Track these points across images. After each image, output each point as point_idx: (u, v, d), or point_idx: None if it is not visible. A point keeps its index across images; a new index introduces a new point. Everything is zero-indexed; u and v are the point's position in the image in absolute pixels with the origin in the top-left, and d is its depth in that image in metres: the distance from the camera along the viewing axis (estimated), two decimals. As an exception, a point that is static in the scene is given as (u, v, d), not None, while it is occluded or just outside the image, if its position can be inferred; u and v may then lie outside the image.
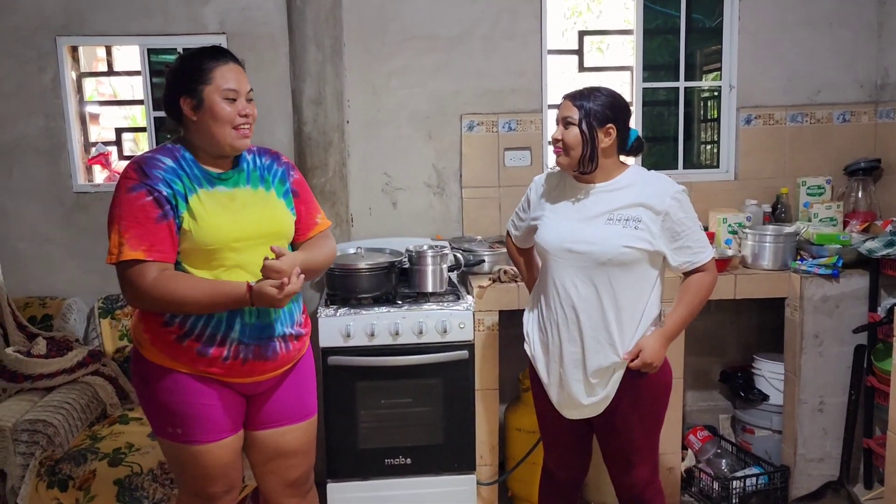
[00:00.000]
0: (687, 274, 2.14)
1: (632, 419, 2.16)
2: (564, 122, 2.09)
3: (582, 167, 2.09)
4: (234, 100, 1.89)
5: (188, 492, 2.09)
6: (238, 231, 1.91)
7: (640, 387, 2.14)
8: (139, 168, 1.85)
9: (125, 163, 3.70)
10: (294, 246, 2.11)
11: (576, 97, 2.09)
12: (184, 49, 3.39)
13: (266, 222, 1.97)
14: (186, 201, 1.86)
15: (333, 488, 2.86)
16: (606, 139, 2.08)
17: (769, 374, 3.32)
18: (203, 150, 1.93)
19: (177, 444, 1.98)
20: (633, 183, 2.10)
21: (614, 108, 2.09)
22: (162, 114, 3.42)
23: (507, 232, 2.49)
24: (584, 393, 2.14)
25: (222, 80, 1.88)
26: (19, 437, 2.63)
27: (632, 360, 2.09)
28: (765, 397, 3.32)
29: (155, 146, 3.38)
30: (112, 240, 1.82)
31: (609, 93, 2.11)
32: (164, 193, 1.83)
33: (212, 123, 1.88)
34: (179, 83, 1.90)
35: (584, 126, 2.06)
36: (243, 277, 1.88)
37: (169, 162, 1.89)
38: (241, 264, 1.91)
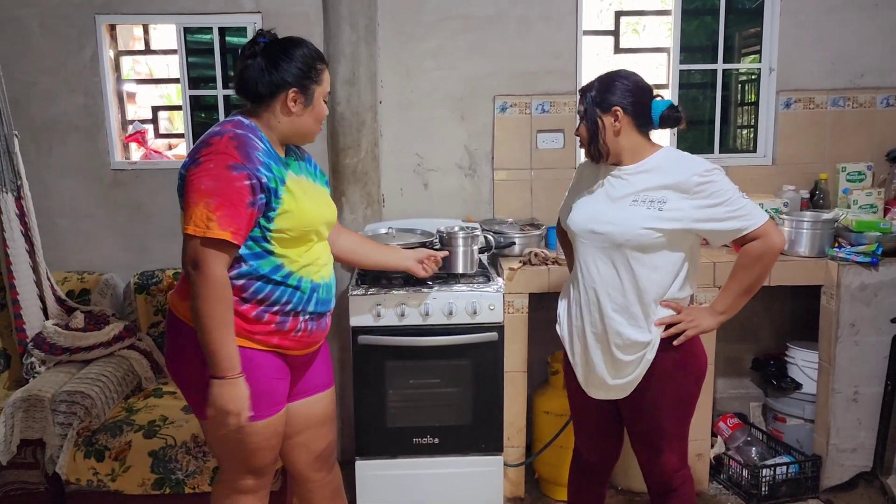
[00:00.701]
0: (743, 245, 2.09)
1: (660, 404, 2.15)
2: (580, 116, 2.15)
3: (590, 155, 2.14)
4: (326, 102, 2.03)
5: (239, 469, 2.07)
6: (321, 212, 2.03)
7: (671, 372, 2.12)
8: (241, 148, 1.84)
9: (161, 141, 3.79)
10: None
11: (582, 89, 2.14)
12: (220, 28, 3.42)
13: (330, 208, 2.12)
14: (284, 182, 1.91)
15: (362, 465, 2.89)
16: (616, 123, 2.06)
17: (803, 363, 3.27)
18: (278, 137, 1.98)
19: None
20: (660, 165, 2.07)
21: (616, 90, 2.07)
22: (198, 92, 3.52)
23: (559, 217, 2.49)
24: (608, 374, 2.15)
25: (327, 84, 2.01)
26: (58, 407, 2.70)
27: (667, 328, 2.08)
28: (798, 386, 3.28)
29: (191, 124, 3.48)
30: (196, 212, 1.79)
31: (610, 76, 2.10)
32: (263, 180, 1.85)
33: (311, 121, 2.00)
34: (294, 76, 1.92)
35: (588, 116, 2.10)
36: (316, 259, 2.02)
37: (262, 145, 1.91)
38: (315, 247, 2.03)
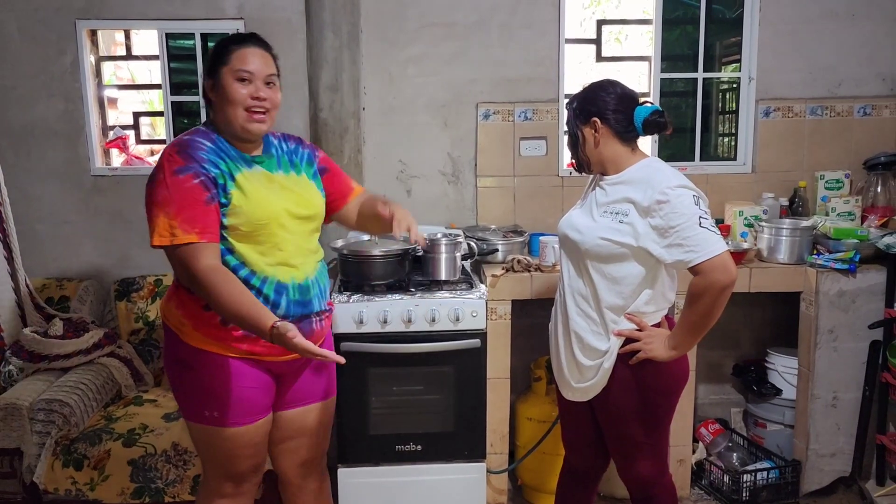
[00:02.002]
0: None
1: (624, 412, 2.13)
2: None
3: (575, 165, 2.17)
4: (249, 81, 1.89)
5: (217, 474, 2.09)
6: (281, 208, 1.95)
7: (631, 382, 2.09)
8: (183, 151, 1.86)
9: (143, 147, 3.76)
10: (333, 217, 2.22)
11: (568, 101, 2.17)
12: (202, 34, 3.41)
13: (303, 203, 2.02)
14: (233, 178, 1.89)
15: (344, 473, 2.87)
16: (595, 133, 2.07)
17: (782, 369, 3.30)
18: (227, 133, 1.95)
19: (212, 427, 1.99)
20: (632, 178, 2.05)
21: (593, 100, 2.08)
22: (180, 98, 3.50)
23: None
24: (571, 376, 2.19)
25: (237, 62, 1.89)
26: (36, 416, 2.67)
27: (625, 344, 2.08)
28: (777, 392, 3.31)
29: (172, 130, 3.46)
30: (159, 223, 1.80)
31: (592, 86, 2.12)
32: (212, 174, 1.85)
33: (225, 104, 1.90)
34: (207, 66, 1.94)
35: (569, 127, 2.13)
36: (281, 258, 1.94)
37: (208, 143, 1.91)
38: (279, 245, 1.95)
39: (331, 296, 2.21)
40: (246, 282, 1.90)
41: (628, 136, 2.08)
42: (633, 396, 2.11)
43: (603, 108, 2.06)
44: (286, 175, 2.02)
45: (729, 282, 1.90)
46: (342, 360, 1.81)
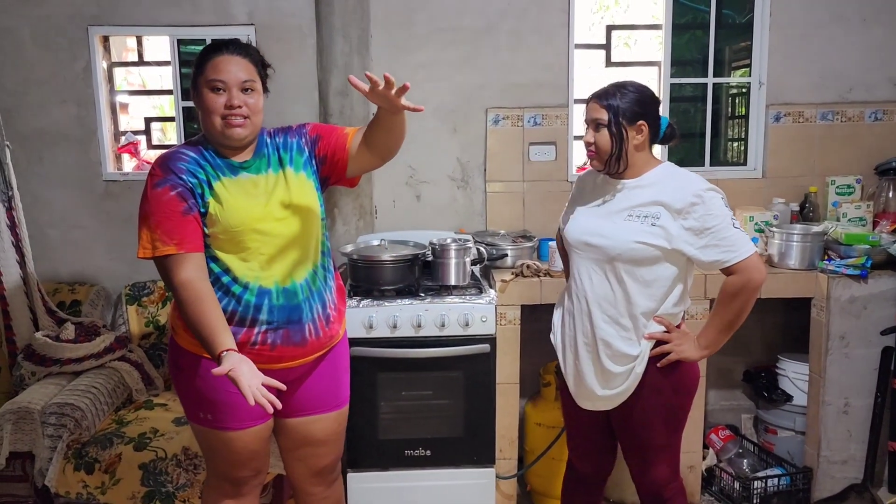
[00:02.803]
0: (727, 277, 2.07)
1: (649, 416, 2.15)
2: (594, 124, 2.07)
3: (608, 167, 2.08)
4: (222, 90, 1.88)
5: (217, 475, 2.14)
6: (261, 213, 1.93)
7: (660, 384, 2.12)
8: (163, 164, 1.91)
9: (154, 152, 3.78)
10: (350, 169, 2.06)
11: (602, 97, 2.06)
12: (212, 40, 3.42)
13: (288, 202, 1.97)
14: (211, 187, 1.91)
15: (353, 478, 2.88)
16: (638, 136, 2.06)
17: (793, 375, 3.28)
18: (213, 142, 1.95)
19: (207, 429, 2.03)
20: (658, 181, 2.07)
21: (643, 102, 2.06)
22: (190, 103, 3.50)
23: (559, 227, 2.49)
24: (598, 384, 2.15)
25: (210, 71, 1.88)
26: (47, 419, 2.68)
27: (657, 345, 2.09)
28: (788, 398, 3.29)
29: (183, 135, 3.48)
30: (143, 235, 1.88)
31: (636, 87, 2.07)
32: (189, 185, 1.88)
33: (202, 113, 1.92)
34: (190, 80, 1.96)
35: (613, 127, 2.03)
36: (262, 263, 1.93)
37: (192, 154, 1.94)
38: (260, 249, 1.93)
39: (342, 299, 2.18)
40: (228, 289, 1.92)
41: (653, 141, 2.11)
42: (661, 399, 2.12)
43: (649, 112, 2.06)
44: (275, 174, 1.99)
45: (762, 280, 2.01)
46: (272, 407, 1.71)
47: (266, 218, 1.93)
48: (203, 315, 1.82)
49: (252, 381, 1.69)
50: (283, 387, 1.77)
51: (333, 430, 2.19)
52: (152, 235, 1.86)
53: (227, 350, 1.75)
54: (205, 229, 1.91)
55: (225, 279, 1.93)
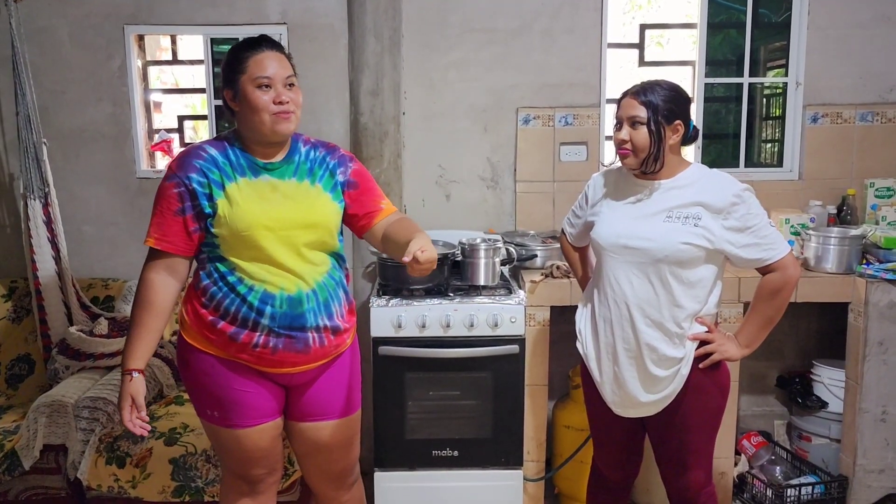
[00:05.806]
0: (764, 275, 2.08)
1: (690, 419, 2.12)
2: (631, 121, 2.03)
3: (645, 166, 2.04)
4: (269, 87, 1.88)
5: (231, 473, 2.14)
6: (270, 219, 1.90)
7: (703, 386, 2.10)
8: (179, 159, 1.94)
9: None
10: (364, 236, 2.13)
11: (640, 93, 2.02)
12: (244, 38, 3.45)
13: (303, 213, 1.95)
14: (223, 188, 1.90)
15: (380, 477, 2.88)
16: (675, 136, 2.04)
17: (829, 381, 3.21)
18: (251, 140, 1.95)
19: (215, 426, 2.03)
20: (694, 181, 2.05)
21: (680, 102, 2.04)
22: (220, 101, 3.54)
23: (562, 230, 2.46)
24: (641, 390, 2.11)
25: (255, 69, 1.87)
26: (80, 413, 2.72)
27: (699, 346, 2.08)
28: (823, 405, 3.22)
29: (215, 133, 3.50)
30: (150, 223, 1.97)
31: (671, 86, 2.05)
32: (193, 185, 1.89)
33: (249, 112, 1.89)
34: (223, 76, 1.95)
35: (652, 125, 2.00)
36: (269, 269, 1.92)
37: (213, 151, 1.94)
38: (268, 255, 1.91)
39: (351, 309, 2.11)
40: (233, 287, 1.92)
41: (683, 142, 2.11)
42: (704, 400, 2.12)
43: (686, 112, 2.06)
44: (298, 183, 1.97)
45: (799, 276, 2.09)
46: (143, 432, 1.95)
47: (278, 224, 1.91)
48: (140, 321, 1.94)
49: (131, 413, 1.92)
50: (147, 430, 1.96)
51: (344, 436, 2.15)
52: (151, 224, 1.94)
53: (133, 371, 1.92)
54: (211, 230, 1.90)
55: (231, 278, 1.93)
